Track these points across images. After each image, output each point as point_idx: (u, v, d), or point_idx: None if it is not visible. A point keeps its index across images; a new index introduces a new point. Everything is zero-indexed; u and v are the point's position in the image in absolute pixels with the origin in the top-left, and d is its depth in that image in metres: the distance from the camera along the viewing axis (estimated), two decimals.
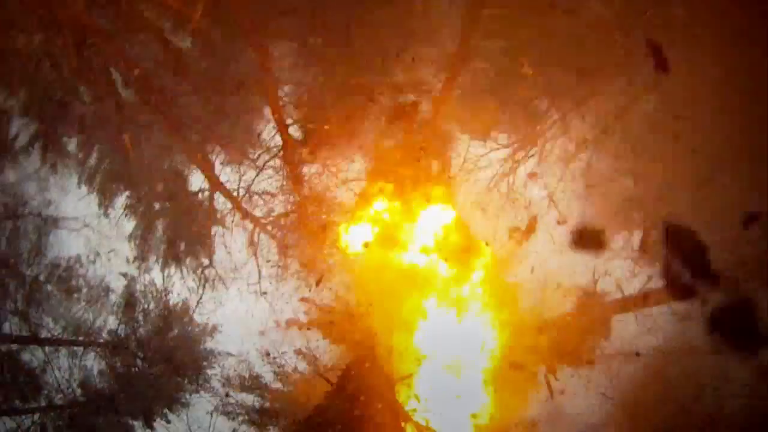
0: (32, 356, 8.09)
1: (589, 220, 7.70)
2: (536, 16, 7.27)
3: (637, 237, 7.73)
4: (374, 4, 7.35)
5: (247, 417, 8.36)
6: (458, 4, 7.49)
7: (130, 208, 8.42)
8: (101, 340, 8.18)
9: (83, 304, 8.04)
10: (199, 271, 8.56)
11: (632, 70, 7.11)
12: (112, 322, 8.20)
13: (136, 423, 8.17)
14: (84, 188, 8.24)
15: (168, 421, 8.29)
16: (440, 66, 7.85)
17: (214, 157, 8.39)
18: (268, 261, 8.60)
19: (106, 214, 8.37)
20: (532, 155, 8.22)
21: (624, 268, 7.75)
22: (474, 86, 7.89)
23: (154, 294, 8.28)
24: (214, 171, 8.41)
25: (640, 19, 7.00)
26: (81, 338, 8.19)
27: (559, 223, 7.84)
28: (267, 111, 8.23)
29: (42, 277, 7.87)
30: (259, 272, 8.57)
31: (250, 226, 8.60)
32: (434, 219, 8.32)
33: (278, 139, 8.39)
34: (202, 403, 8.38)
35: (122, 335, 8.21)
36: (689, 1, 6.85)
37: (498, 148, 8.31)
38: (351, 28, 7.39)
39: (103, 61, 7.56)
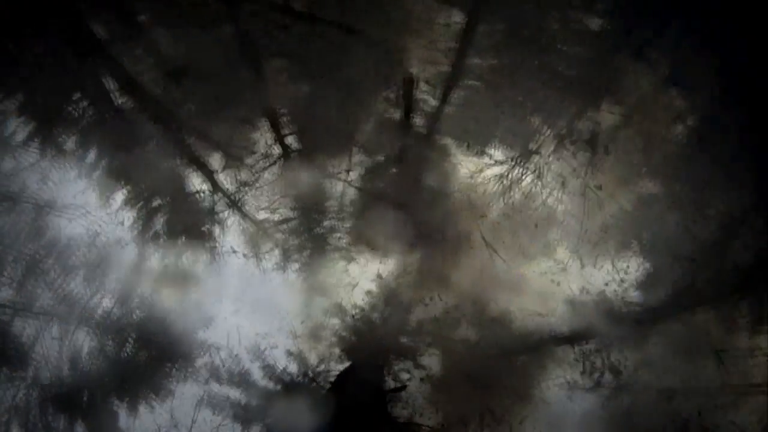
0: (23, 328, 8.06)
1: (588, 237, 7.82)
2: (528, 32, 7.35)
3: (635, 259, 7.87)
4: (368, 23, 7.43)
5: (232, 411, 8.30)
6: (456, 21, 7.51)
7: (129, 203, 8.44)
8: (94, 320, 8.14)
9: (79, 282, 8.02)
10: (198, 266, 8.52)
11: (623, 86, 7.29)
12: (106, 303, 8.16)
13: (120, 406, 8.12)
14: (82, 182, 8.28)
15: (152, 408, 8.24)
16: (434, 83, 7.96)
17: (212, 161, 8.45)
18: (270, 263, 8.58)
19: (105, 207, 8.38)
20: (530, 172, 8.24)
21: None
22: (466, 103, 7.95)
23: (152, 282, 8.23)
24: (212, 174, 8.45)
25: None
26: (74, 315, 8.15)
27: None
28: (264, 122, 8.31)
29: (38, 254, 7.85)
30: (262, 273, 8.55)
31: (251, 229, 8.57)
32: None
33: (276, 149, 8.46)
34: (187, 393, 8.31)
35: (115, 317, 8.16)
36: None
37: (494, 165, 8.30)
38: (345, 45, 7.45)
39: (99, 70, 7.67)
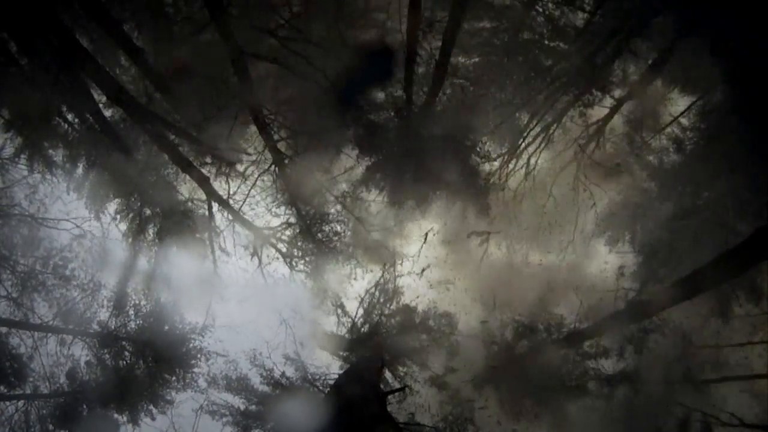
0: (21, 341, 8.10)
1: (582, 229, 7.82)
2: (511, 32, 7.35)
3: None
4: (354, 23, 7.41)
5: (231, 418, 8.30)
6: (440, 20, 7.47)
7: (120, 214, 8.43)
8: (91, 331, 8.15)
9: (75, 294, 8.05)
10: (193, 274, 8.50)
11: (611, 79, 7.25)
12: (102, 314, 8.20)
13: (120, 417, 8.14)
14: (73, 194, 8.31)
15: (153, 417, 8.25)
16: (421, 83, 7.94)
17: (204, 168, 8.37)
18: (268, 268, 8.55)
19: (98, 218, 8.39)
20: (521, 168, 8.21)
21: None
22: (454, 101, 7.92)
23: (147, 291, 8.23)
24: (206, 181, 8.37)
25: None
26: (71, 327, 8.17)
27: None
28: (253, 127, 8.25)
29: (34, 267, 7.88)
30: (259, 279, 8.52)
31: (247, 234, 8.53)
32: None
33: (268, 154, 8.38)
34: (187, 401, 8.33)
35: (112, 328, 8.17)
36: None
37: (485, 162, 8.27)
38: (332, 46, 7.40)
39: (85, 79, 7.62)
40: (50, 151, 8.04)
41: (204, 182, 8.35)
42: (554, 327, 7.92)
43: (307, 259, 8.52)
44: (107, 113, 8.05)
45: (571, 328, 7.83)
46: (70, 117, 7.96)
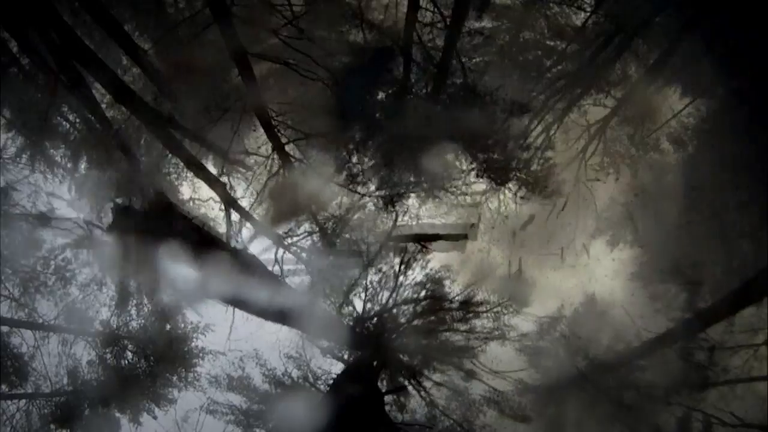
0: (22, 340, 8.12)
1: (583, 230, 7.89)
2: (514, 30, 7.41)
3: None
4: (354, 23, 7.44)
5: (233, 417, 8.31)
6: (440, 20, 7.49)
7: (122, 212, 8.29)
8: (93, 330, 8.17)
9: (77, 294, 8.06)
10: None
11: (612, 80, 7.28)
12: (104, 313, 8.20)
13: (122, 416, 8.15)
14: (75, 194, 8.30)
15: (155, 417, 8.26)
16: (422, 83, 7.99)
17: (211, 167, 8.36)
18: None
19: (99, 218, 8.34)
20: (522, 169, 8.20)
21: None
22: (455, 102, 7.95)
23: (149, 290, 8.22)
24: (212, 182, 8.34)
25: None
26: (73, 326, 8.19)
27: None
28: (259, 128, 8.21)
29: (36, 267, 7.90)
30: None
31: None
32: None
33: (276, 157, 8.36)
34: (189, 401, 8.32)
35: (114, 327, 8.19)
36: None
37: (486, 162, 8.26)
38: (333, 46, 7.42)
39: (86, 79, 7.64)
40: (52, 150, 8.05)
41: (214, 184, 8.32)
42: (555, 331, 7.95)
43: (313, 258, 8.50)
44: (109, 113, 8.05)
45: (569, 331, 7.85)
46: (71, 117, 7.97)
